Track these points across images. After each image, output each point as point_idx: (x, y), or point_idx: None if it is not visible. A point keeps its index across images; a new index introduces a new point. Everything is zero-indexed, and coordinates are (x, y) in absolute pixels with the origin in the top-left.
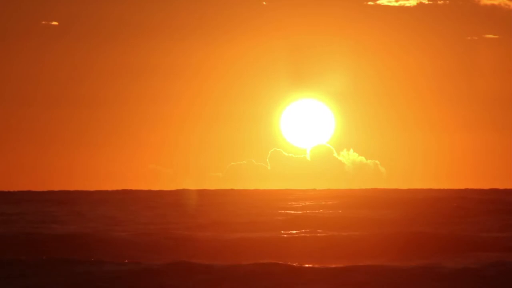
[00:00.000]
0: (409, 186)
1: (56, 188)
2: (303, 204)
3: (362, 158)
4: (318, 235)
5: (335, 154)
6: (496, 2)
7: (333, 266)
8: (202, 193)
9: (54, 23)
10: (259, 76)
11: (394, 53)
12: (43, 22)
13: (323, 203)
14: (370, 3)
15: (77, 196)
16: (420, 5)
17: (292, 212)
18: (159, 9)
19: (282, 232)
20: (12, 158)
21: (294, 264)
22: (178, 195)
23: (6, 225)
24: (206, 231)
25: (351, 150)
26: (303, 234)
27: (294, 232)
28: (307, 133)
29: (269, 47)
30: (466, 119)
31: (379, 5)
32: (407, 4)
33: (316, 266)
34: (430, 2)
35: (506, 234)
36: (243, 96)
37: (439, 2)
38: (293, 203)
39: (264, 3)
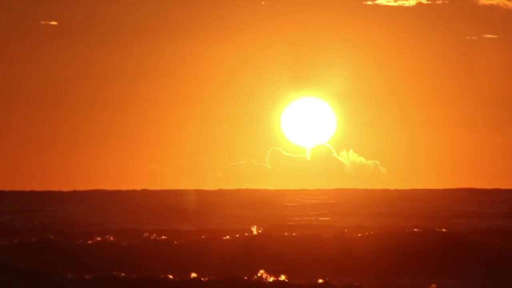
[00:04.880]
0: (409, 186)
1: (56, 188)
2: None
3: (362, 159)
4: None
5: (335, 154)
6: (494, 2)
7: None
8: (199, 193)
9: (54, 23)
10: (260, 75)
11: (393, 53)
12: (43, 22)
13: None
14: (369, 2)
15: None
16: (419, 5)
17: None
18: (159, 9)
19: None
20: (11, 158)
21: None
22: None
23: None
24: None
25: (351, 150)
26: None
27: None
28: (308, 132)
29: (269, 46)
30: (465, 119)
31: (378, 5)
32: (406, 4)
33: None
34: (429, 2)
35: None
36: (243, 96)
37: (438, 2)
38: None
39: (263, 3)
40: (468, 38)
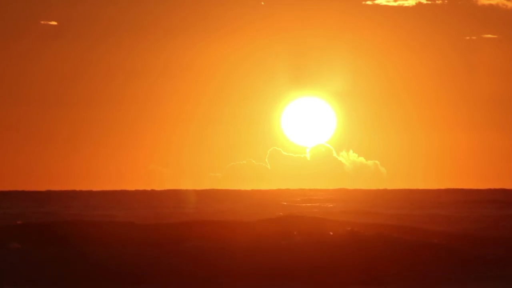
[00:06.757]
0: (409, 186)
1: (55, 188)
2: None
3: (362, 159)
4: None
5: (334, 154)
6: (494, 2)
7: None
8: (199, 193)
9: (53, 23)
10: (260, 75)
11: (393, 53)
12: (42, 22)
13: None
14: (368, 2)
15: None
16: (419, 5)
17: None
18: (159, 9)
19: None
20: (10, 158)
21: None
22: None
23: None
24: None
25: (351, 151)
26: None
27: None
28: (308, 132)
29: (269, 46)
30: (465, 119)
31: (378, 5)
32: (406, 4)
33: None
34: (428, 2)
35: None
36: (242, 96)
37: (437, 2)
38: None
39: (263, 3)
40: (468, 38)
